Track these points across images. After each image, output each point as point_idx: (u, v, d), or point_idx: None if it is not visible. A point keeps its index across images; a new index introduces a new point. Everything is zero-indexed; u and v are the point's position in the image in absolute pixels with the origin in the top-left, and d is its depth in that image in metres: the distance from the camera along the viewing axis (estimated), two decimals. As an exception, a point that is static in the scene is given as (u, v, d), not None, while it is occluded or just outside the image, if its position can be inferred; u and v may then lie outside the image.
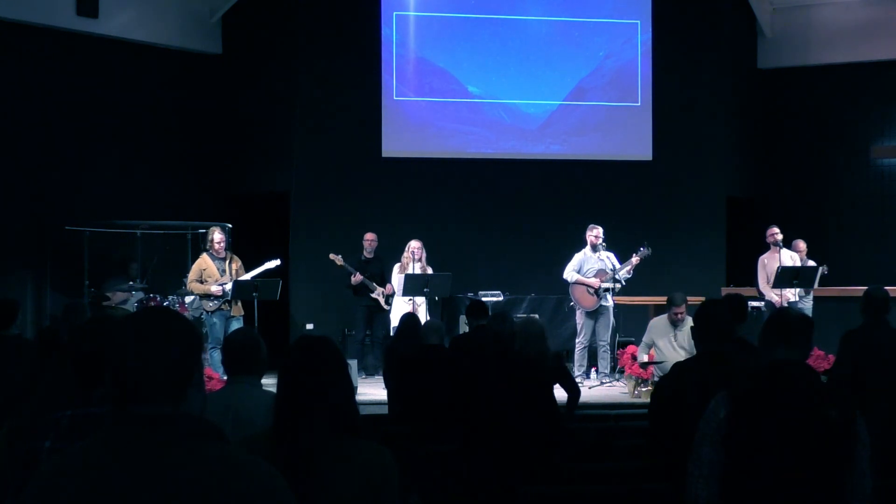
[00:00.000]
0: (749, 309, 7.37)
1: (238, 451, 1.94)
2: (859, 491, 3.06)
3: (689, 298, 8.98)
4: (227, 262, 10.28)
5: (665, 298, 9.16)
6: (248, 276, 10.33)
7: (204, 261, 10.27)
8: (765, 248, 10.97)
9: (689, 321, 8.76)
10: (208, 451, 1.87)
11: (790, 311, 3.35)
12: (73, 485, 1.85)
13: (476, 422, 5.43)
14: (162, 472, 1.83)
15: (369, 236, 11.50)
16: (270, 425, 2.63)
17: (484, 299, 10.23)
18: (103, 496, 1.82)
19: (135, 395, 1.89)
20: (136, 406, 1.89)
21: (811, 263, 11.12)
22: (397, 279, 10.96)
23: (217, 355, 9.93)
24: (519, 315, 11.19)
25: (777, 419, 3.03)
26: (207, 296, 10.13)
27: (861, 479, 3.06)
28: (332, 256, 11.22)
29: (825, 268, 10.95)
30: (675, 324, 8.88)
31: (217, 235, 10.25)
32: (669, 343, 8.88)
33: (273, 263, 10.56)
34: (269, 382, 3.75)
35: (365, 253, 11.48)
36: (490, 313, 7.54)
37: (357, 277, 11.23)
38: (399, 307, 10.90)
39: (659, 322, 9.06)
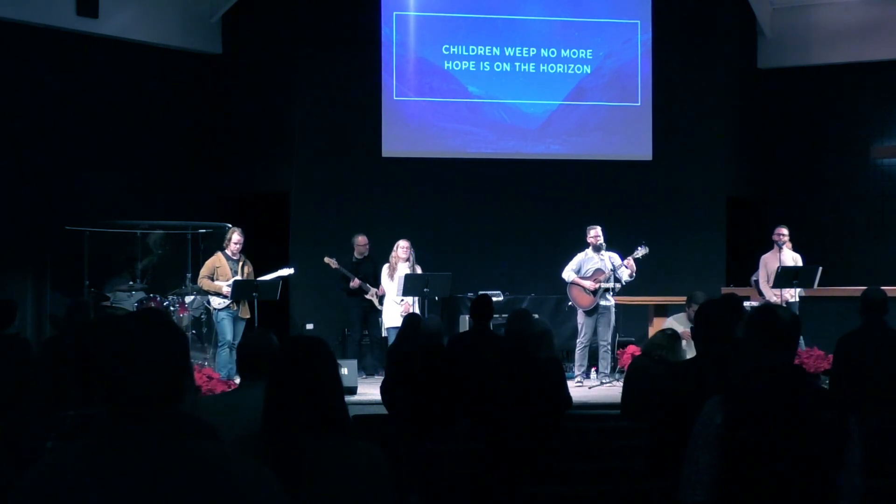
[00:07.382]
0: (745, 309, 7.36)
1: (230, 450, 1.95)
2: (851, 490, 3.07)
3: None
4: (241, 264, 10.30)
5: (668, 299, 9.09)
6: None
7: (218, 259, 10.29)
8: (766, 247, 10.96)
9: None
10: (201, 450, 1.87)
11: (779, 310, 3.28)
12: (65, 485, 1.85)
13: (479, 421, 5.41)
14: (155, 472, 1.83)
15: (361, 240, 11.49)
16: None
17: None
18: (96, 496, 1.82)
19: (126, 398, 1.89)
20: (128, 408, 1.89)
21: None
22: (388, 281, 10.89)
23: (224, 354, 9.91)
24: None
25: (774, 424, 3.03)
26: (216, 294, 10.14)
27: (853, 477, 3.07)
28: (326, 260, 11.24)
29: (819, 269, 10.93)
30: None
31: (236, 236, 10.29)
32: None
33: (287, 271, 10.68)
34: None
35: (356, 254, 11.48)
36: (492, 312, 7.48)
37: (356, 283, 11.24)
38: (390, 308, 10.85)
39: (678, 322, 8.89)
